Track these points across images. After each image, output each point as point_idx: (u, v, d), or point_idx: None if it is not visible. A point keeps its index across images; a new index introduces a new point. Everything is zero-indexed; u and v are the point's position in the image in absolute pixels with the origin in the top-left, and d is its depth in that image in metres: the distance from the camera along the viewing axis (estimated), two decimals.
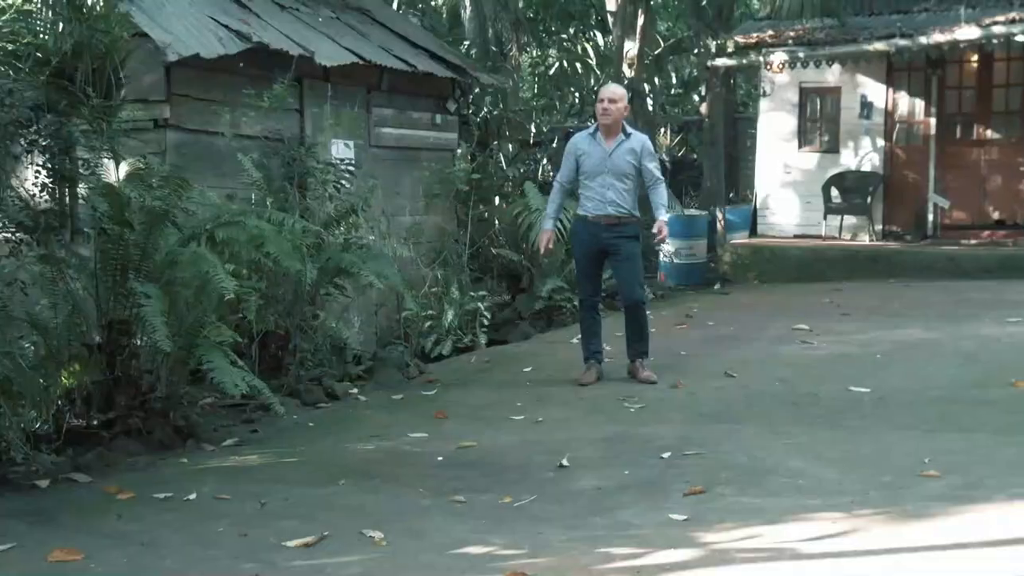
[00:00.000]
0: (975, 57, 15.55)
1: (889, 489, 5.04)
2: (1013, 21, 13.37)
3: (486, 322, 10.55)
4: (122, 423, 6.47)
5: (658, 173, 7.83)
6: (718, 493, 5.11)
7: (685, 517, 4.75)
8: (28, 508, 5.27)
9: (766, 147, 16.97)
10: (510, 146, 12.38)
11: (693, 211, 16.04)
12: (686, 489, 5.19)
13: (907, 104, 16.27)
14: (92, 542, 4.68)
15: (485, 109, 13.93)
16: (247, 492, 5.44)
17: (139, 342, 6.47)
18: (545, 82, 14.69)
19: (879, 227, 16.14)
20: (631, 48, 15.47)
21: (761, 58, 14.95)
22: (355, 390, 7.96)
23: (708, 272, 15.04)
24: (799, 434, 6.13)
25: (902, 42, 14.00)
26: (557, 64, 14.92)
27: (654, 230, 7.71)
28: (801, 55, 14.70)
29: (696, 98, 19.39)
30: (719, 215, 15.44)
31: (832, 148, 16.53)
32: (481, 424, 6.79)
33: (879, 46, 14.07)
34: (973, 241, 15.35)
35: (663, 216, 7.73)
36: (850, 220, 16.10)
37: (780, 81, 16.53)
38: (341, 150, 9.95)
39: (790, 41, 14.89)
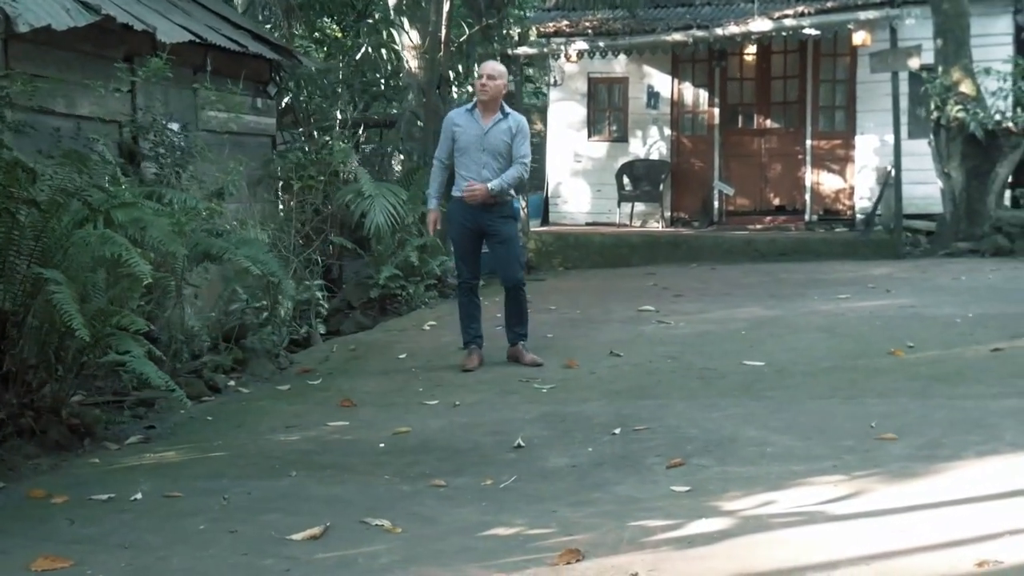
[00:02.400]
0: (754, 49, 16.26)
1: (858, 453, 5.16)
2: (802, 15, 14.07)
3: (323, 312, 10.23)
4: (13, 423, 5.87)
5: (525, 154, 7.66)
6: (698, 464, 5.11)
7: (688, 488, 4.72)
8: None
9: (556, 136, 17.25)
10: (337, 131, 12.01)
11: None
12: (664, 463, 5.15)
13: (692, 94, 16.88)
14: (67, 549, 4.22)
15: (289, 95, 13.50)
16: (197, 488, 5.06)
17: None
18: (349, 69, 14.35)
19: (668, 214, 16.66)
20: (416, 37, 15.32)
21: (563, 47, 15.14)
22: (232, 382, 7.54)
23: None
24: (729, 406, 6.21)
25: (699, 33, 14.52)
26: (364, 50, 14.61)
27: (469, 185, 7.52)
28: (601, 44, 15.00)
29: None
30: (522, 202, 15.51)
31: (621, 137, 16.95)
32: (398, 410, 6.57)
33: (677, 36, 14.53)
34: (758, 226, 16.11)
35: (492, 184, 7.47)
36: (640, 207, 16.56)
37: (569, 71, 16.81)
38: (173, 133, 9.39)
39: (590, 31, 15.15)
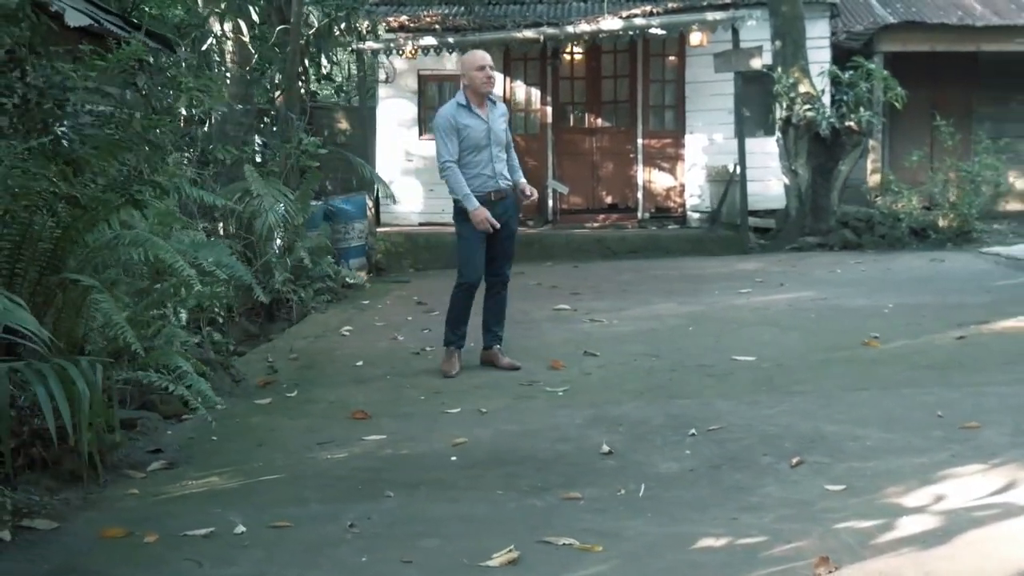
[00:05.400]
0: (583, 49, 16.36)
1: (960, 442, 5.17)
2: (650, 14, 14.22)
3: (221, 320, 9.53)
4: (24, 453, 5.13)
5: (510, 136, 7.52)
6: (817, 462, 4.98)
7: (843, 487, 4.58)
8: (47, 570, 4.04)
9: (387, 135, 16.81)
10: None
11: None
12: (777, 462, 5.01)
13: (524, 93, 16.81)
14: None
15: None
16: (296, 516, 4.54)
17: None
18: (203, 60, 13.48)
19: None
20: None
21: (409, 42, 14.76)
22: (199, 399, 6.85)
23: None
24: (773, 402, 6.13)
25: (549, 30, 14.44)
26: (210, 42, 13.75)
27: (526, 192, 7.32)
28: (451, 40, 14.69)
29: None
30: (369, 202, 15.03)
31: None
32: (422, 420, 6.14)
33: (528, 34, 14.43)
34: (594, 224, 16.20)
35: (523, 179, 7.42)
36: None
37: (400, 68, 16.42)
38: None
39: (437, 27, 14.84)
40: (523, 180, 7.32)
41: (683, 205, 16.51)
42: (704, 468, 4.99)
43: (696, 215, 16.27)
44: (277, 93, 12.81)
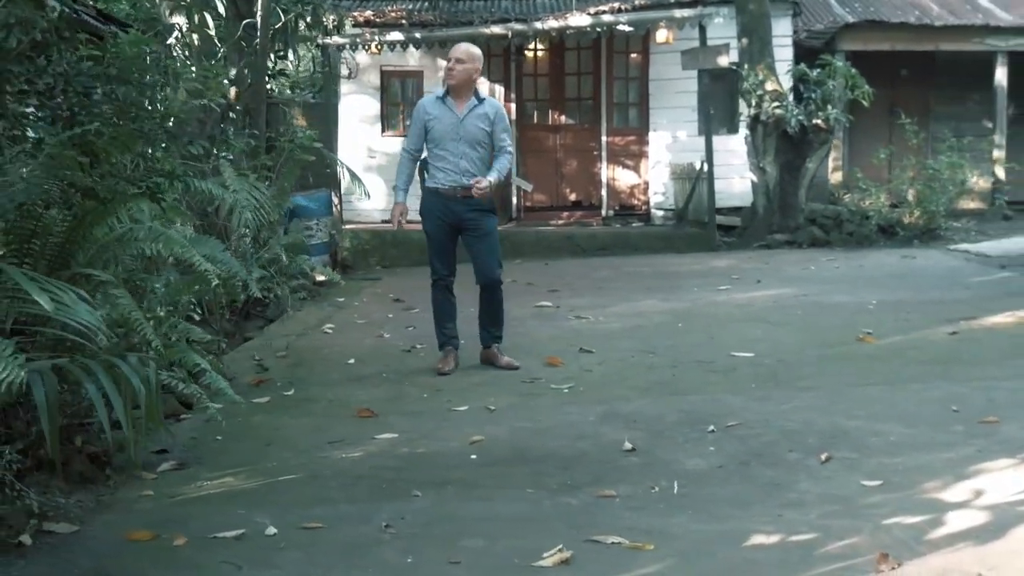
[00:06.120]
0: (545, 46, 16.30)
1: (984, 437, 5.17)
2: (619, 11, 14.20)
3: (197, 317, 9.35)
4: (32, 454, 4.96)
5: (509, 143, 7.33)
6: (845, 457, 4.95)
7: (879, 482, 4.56)
8: (77, 575, 3.90)
9: (349, 131, 16.62)
10: None
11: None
12: (805, 458, 4.98)
13: (488, 89, 16.65)
14: None
15: None
16: (325, 517, 4.43)
17: None
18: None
19: None
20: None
21: (376, 37, 14.61)
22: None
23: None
24: (784, 398, 6.10)
25: (517, 26, 14.37)
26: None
27: (473, 182, 7.05)
28: (418, 36, 14.58)
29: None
30: (335, 199, 14.87)
31: None
32: (431, 419, 6.04)
33: (496, 29, 14.35)
34: (559, 222, 16.15)
35: (491, 176, 7.12)
36: None
37: (362, 64, 16.27)
38: None
39: (404, 22, 14.70)
40: (489, 178, 7.06)
41: (647, 203, 16.52)
42: (733, 465, 4.93)
43: (660, 213, 16.28)
44: (234, 89, 12.55)
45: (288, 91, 19.62)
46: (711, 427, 5.50)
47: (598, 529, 4.11)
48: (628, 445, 5.24)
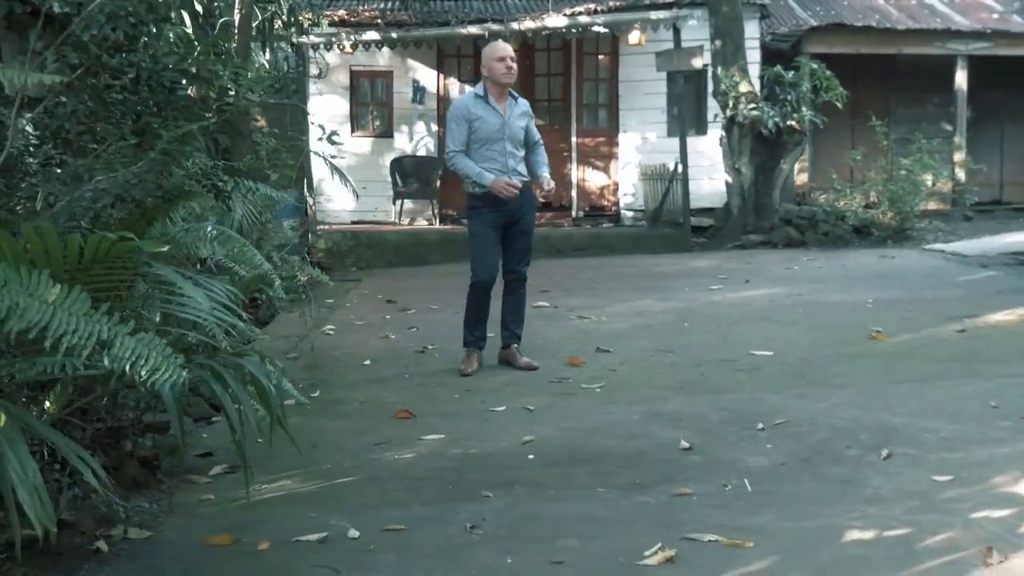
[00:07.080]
0: (516, 47, 16.27)
1: None
2: (595, 12, 14.25)
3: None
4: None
5: (539, 135, 7.37)
6: (904, 454, 5.00)
7: (950, 477, 4.60)
8: None
9: (318, 131, 16.42)
10: None
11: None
12: (864, 454, 5.01)
13: (459, 90, 16.66)
14: None
15: None
16: (404, 519, 4.38)
17: None
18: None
19: (438, 211, 16.38)
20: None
21: (351, 36, 14.52)
22: None
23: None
24: (820, 396, 6.14)
25: (494, 27, 14.35)
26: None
27: (542, 183, 7.13)
28: (394, 35, 14.50)
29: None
30: (309, 199, 14.75)
31: (386, 132, 16.52)
32: (471, 420, 6.01)
33: (473, 30, 14.33)
34: None
35: (546, 171, 7.22)
36: (409, 205, 16.20)
37: (331, 63, 16.17)
38: None
39: (379, 22, 14.62)
40: (546, 174, 7.17)
41: (617, 203, 16.58)
42: (795, 462, 4.96)
43: (630, 214, 16.35)
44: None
45: (250, 93, 19.44)
46: (760, 425, 5.53)
47: (688, 527, 4.10)
48: (684, 444, 5.25)
